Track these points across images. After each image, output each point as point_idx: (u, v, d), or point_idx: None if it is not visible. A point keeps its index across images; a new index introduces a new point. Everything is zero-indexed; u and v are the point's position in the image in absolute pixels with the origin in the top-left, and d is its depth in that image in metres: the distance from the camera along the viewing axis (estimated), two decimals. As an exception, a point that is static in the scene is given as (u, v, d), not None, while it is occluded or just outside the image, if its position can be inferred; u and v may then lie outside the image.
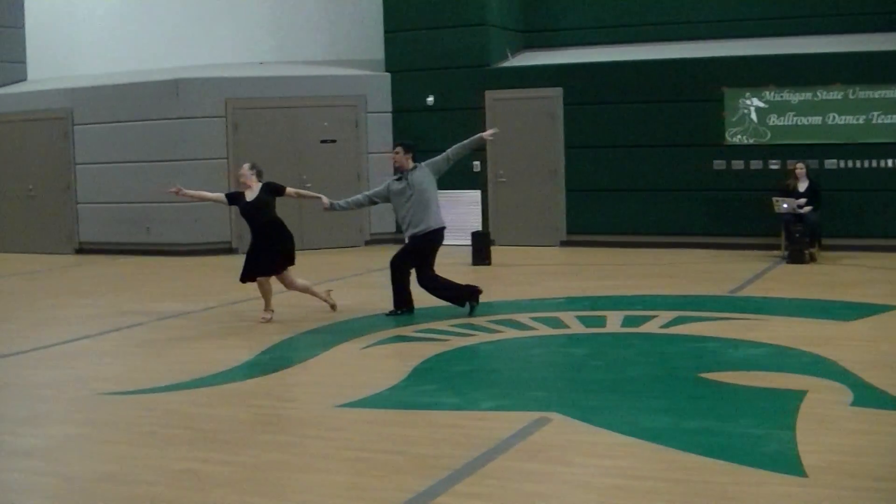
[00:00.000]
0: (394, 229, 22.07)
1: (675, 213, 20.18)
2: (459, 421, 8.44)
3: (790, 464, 7.03)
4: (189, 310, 14.63)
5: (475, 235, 19.05)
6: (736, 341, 11.31)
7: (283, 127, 21.70)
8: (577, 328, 12.40)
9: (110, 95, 22.11)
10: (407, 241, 13.90)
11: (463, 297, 13.56)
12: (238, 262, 19.68)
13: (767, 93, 19.60)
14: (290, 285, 13.74)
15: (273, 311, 13.56)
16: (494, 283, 15.75)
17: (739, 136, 19.78)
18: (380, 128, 22.16)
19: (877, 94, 18.95)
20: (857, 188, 19.07)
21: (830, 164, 19.17)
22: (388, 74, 22.29)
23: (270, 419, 8.65)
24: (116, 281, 18.29)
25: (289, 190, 14.05)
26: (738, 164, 19.78)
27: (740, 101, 19.74)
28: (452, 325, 12.67)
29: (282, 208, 20.87)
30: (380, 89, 22.23)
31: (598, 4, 21.95)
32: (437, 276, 13.61)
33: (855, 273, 16.58)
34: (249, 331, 12.83)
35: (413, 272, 13.69)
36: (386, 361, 10.94)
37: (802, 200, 17.93)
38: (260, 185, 13.70)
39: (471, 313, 13.37)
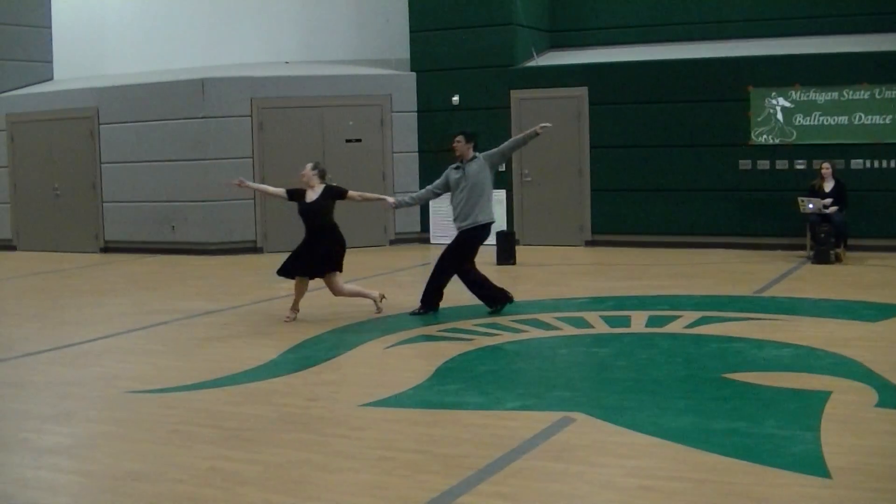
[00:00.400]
0: (419, 229, 22.14)
1: (700, 213, 20.15)
2: (484, 420, 8.44)
3: (815, 465, 7.02)
4: (215, 308, 14.67)
5: (500, 235, 19.03)
6: (761, 342, 11.28)
7: (309, 126, 21.72)
8: (602, 328, 12.39)
9: (136, 95, 22.18)
10: (456, 233, 13.82)
11: (493, 298, 13.54)
12: (264, 260, 19.81)
13: (793, 92, 19.54)
14: (337, 292, 13.64)
15: (298, 311, 13.57)
16: (519, 283, 15.75)
17: (765, 136, 19.73)
18: (405, 127, 22.18)
19: (903, 93, 18.90)
20: (883, 188, 19.00)
21: (857, 164, 19.11)
22: (414, 74, 22.31)
23: (295, 418, 8.66)
24: (142, 279, 18.34)
25: (351, 193, 13.97)
26: (763, 165, 19.73)
27: (766, 100, 19.69)
28: (477, 325, 12.68)
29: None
30: (405, 89, 22.24)
31: (623, 4, 21.93)
32: (475, 270, 13.61)
33: (881, 274, 16.53)
34: (275, 330, 12.86)
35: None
36: (411, 361, 10.95)
37: (828, 201, 17.89)
38: (322, 186, 13.71)
39: (495, 312, 13.40)
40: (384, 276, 17.69)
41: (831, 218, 17.78)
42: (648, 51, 21.14)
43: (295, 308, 13.59)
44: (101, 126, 22.51)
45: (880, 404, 8.60)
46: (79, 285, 18.00)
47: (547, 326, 12.55)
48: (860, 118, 19.12)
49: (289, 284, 15.96)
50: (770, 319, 12.65)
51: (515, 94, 21.52)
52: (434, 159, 21.91)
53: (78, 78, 24.37)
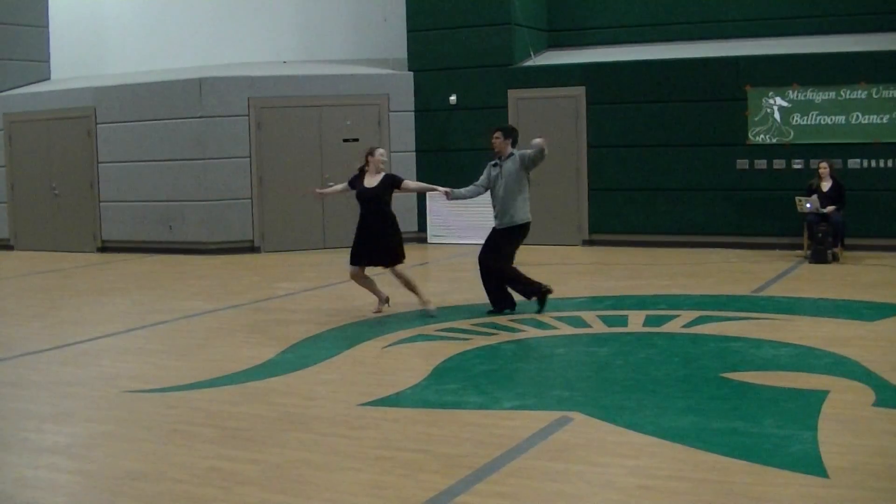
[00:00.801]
0: (416, 228, 22.14)
1: (697, 212, 20.17)
2: (482, 420, 8.46)
3: (813, 464, 7.03)
4: (213, 308, 14.68)
5: (498, 234, 19.06)
6: (759, 341, 11.30)
7: (307, 126, 21.73)
8: (600, 328, 12.40)
9: (134, 94, 22.18)
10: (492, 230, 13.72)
11: (532, 290, 13.53)
12: (261, 260, 19.83)
13: (791, 92, 19.57)
14: (400, 276, 13.62)
15: (387, 297, 13.84)
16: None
17: (763, 136, 19.75)
18: (402, 127, 22.19)
19: (901, 93, 18.92)
20: (880, 188, 19.03)
21: (854, 163, 19.13)
22: (411, 73, 22.32)
23: (294, 417, 8.67)
24: (141, 279, 18.35)
25: (406, 182, 13.94)
26: (761, 164, 19.75)
27: (764, 100, 19.71)
28: (475, 325, 12.69)
29: (306, 206, 20.99)
30: (403, 88, 22.25)
31: (621, 4, 21.94)
32: (513, 267, 13.56)
33: (879, 273, 16.55)
34: (273, 329, 12.86)
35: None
36: (409, 360, 10.95)
37: (816, 200, 17.91)
38: (383, 174, 13.68)
39: (494, 314, 13.42)
40: (381, 275, 17.66)
41: (829, 217, 17.80)
42: (646, 50, 21.15)
43: (382, 299, 13.75)
44: (99, 125, 22.51)
45: (878, 404, 8.61)
46: (77, 285, 18.00)
47: (545, 326, 12.56)
48: (858, 118, 19.14)
49: (288, 284, 16.01)
50: (768, 319, 12.67)
51: (513, 94, 21.53)
52: (432, 159, 21.96)
53: (75, 77, 24.39)
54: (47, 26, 25.10)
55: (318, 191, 14.43)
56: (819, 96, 19.41)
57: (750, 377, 9.68)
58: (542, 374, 10.42)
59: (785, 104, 19.59)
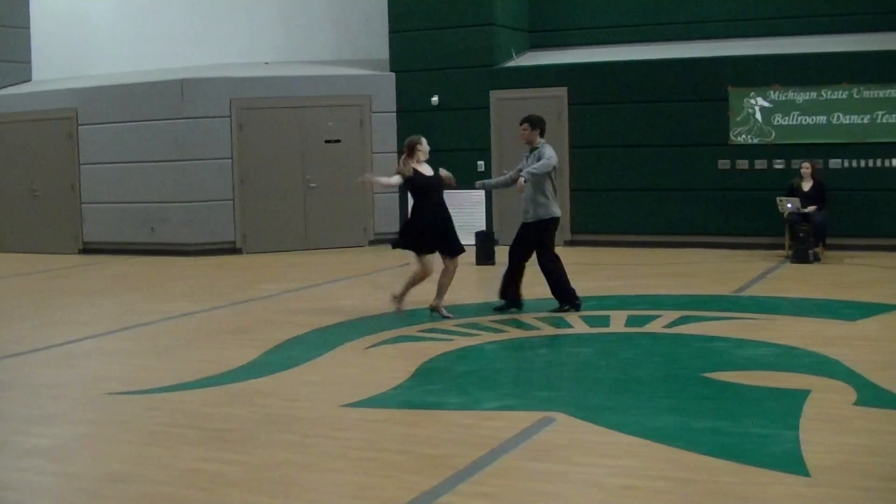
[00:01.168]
0: (398, 229, 22.09)
1: (679, 212, 20.20)
2: (465, 420, 8.46)
3: (795, 463, 7.05)
4: (196, 310, 14.65)
5: (479, 235, 19.07)
6: (741, 341, 11.33)
7: (289, 127, 21.70)
8: (582, 328, 12.42)
9: (115, 95, 22.13)
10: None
11: (564, 297, 13.46)
12: (244, 261, 19.81)
13: (772, 92, 19.61)
14: (449, 272, 13.48)
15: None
16: (498, 283, 15.74)
17: (744, 136, 19.79)
18: (385, 128, 22.18)
19: (882, 93, 18.95)
20: (862, 188, 19.08)
21: (835, 163, 19.18)
22: (393, 74, 22.31)
23: (277, 418, 8.67)
24: (123, 281, 18.32)
25: (442, 171, 13.91)
26: (742, 164, 19.79)
27: (745, 100, 19.75)
28: (457, 325, 12.70)
29: (288, 207, 20.98)
30: (385, 89, 22.24)
31: (603, 5, 21.95)
32: (558, 260, 13.54)
33: (860, 273, 16.59)
34: (256, 330, 12.85)
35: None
36: (391, 361, 10.94)
37: (797, 202, 17.97)
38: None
39: (557, 311, 13.37)
40: (364, 276, 17.69)
41: (810, 217, 17.85)
42: (628, 51, 21.18)
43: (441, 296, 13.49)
44: (80, 127, 22.44)
45: (860, 402, 8.64)
46: (59, 287, 17.96)
47: (527, 326, 12.58)
48: (839, 118, 19.19)
49: (271, 285, 15.99)
50: (750, 319, 12.70)
51: (495, 95, 21.54)
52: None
53: (57, 79, 24.31)
54: (28, 27, 25.02)
55: (369, 177, 13.95)
56: (800, 96, 19.45)
57: (732, 377, 9.70)
58: (524, 375, 10.45)
59: (766, 104, 19.63)
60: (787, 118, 19.52)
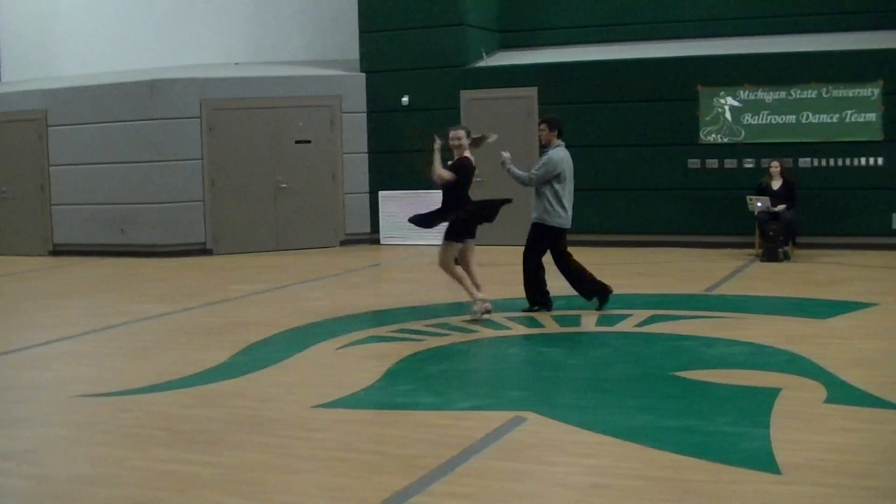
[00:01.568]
0: (369, 230, 22.13)
1: (649, 212, 20.25)
2: (436, 420, 8.46)
3: (766, 461, 7.07)
4: (167, 311, 14.61)
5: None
6: (711, 340, 11.36)
7: (259, 127, 21.66)
8: (553, 328, 12.44)
9: (85, 96, 22.05)
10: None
11: (592, 291, 13.46)
12: (214, 262, 19.76)
13: (742, 92, 19.68)
14: (469, 261, 13.25)
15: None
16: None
17: (714, 136, 19.86)
18: (355, 128, 22.17)
19: (851, 92, 19.06)
20: (831, 186, 19.17)
21: (805, 162, 19.27)
22: (364, 75, 22.29)
23: (249, 420, 8.65)
24: (93, 283, 18.25)
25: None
26: (712, 164, 19.86)
27: (715, 100, 19.82)
28: (428, 325, 12.69)
29: (258, 208, 20.94)
30: (355, 89, 22.23)
31: (573, 5, 21.99)
32: (571, 262, 13.53)
33: (829, 271, 16.66)
34: (227, 332, 12.82)
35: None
36: (362, 362, 10.93)
37: (768, 202, 18.04)
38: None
39: (599, 307, 13.37)
40: (336, 277, 17.66)
41: (780, 216, 17.92)
42: (598, 51, 21.22)
43: (479, 289, 13.15)
44: (50, 128, 22.36)
45: (830, 400, 8.67)
46: (29, 289, 17.88)
47: (498, 326, 12.58)
48: (808, 117, 19.28)
49: (241, 287, 15.95)
50: (720, 317, 12.74)
51: (466, 95, 21.56)
52: (384, 160, 21.97)
53: (26, 80, 24.23)
54: (-3, 29, 24.98)
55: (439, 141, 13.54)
56: (770, 96, 19.53)
57: (703, 375, 9.73)
58: (495, 375, 10.45)
59: (736, 104, 19.70)
60: (756, 117, 19.59)
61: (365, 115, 22.26)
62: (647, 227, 20.22)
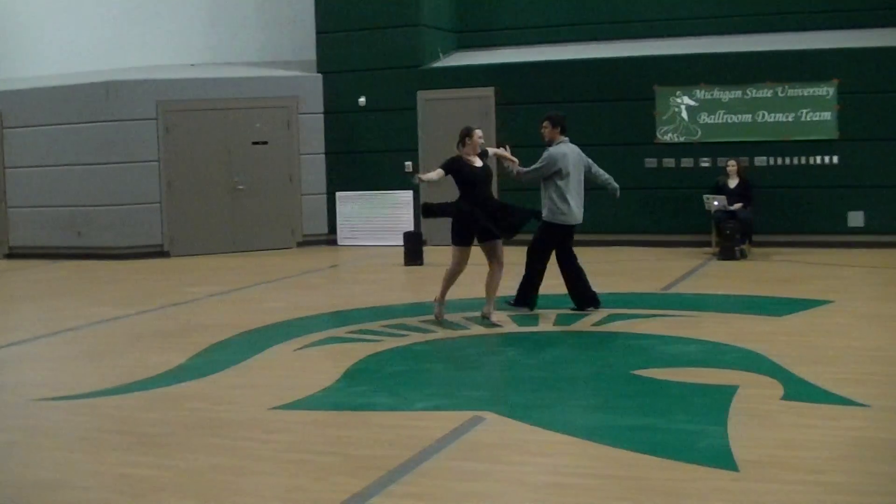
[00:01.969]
0: (326, 231, 22.10)
1: (607, 211, 20.20)
2: (394, 421, 8.45)
3: (723, 458, 7.09)
4: (123, 314, 14.53)
5: (407, 236, 19.06)
6: (668, 338, 11.40)
7: (216, 129, 21.57)
8: (511, 327, 12.45)
9: (41, 98, 21.92)
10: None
11: (583, 301, 13.35)
12: (171, 264, 19.68)
13: (698, 91, 19.76)
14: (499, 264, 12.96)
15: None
16: (427, 284, 15.75)
17: (671, 135, 19.93)
18: (312, 129, 22.13)
19: (806, 91, 19.16)
20: (786, 185, 19.28)
21: (761, 161, 19.37)
22: (321, 75, 22.26)
23: (206, 422, 8.61)
24: (49, 286, 18.13)
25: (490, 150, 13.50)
26: (669, 163, 19.93)
27: (671, 99, 19.88)
28: (385, 326, 12.68)
29: (215, 209, 20.85)
30: (312, 90, 22.19)
31: (529, 5, 22.03)
32: (574, 264, 13.48)
33: (786, 269, 16.74)
34: (183, 334, 12.77)
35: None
36: (320, 363, 10.91)
37: (724, 199, 18.12)
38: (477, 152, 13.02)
39: (580, 310, 13.23)
40: (293, 278, 17.62)
41: (737, 215, 17.99)
42: (555, 51, 21.26)
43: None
44: (6, 130, 22.22)
45: (787, 397, 8.71)
46: (-17, 292, 17.79)
47: (455, 326, 12.58)
48: (763, 116, 19.38)
49: (198, 289, 15.89)
50: (677, 316, 12.78)
51: (423, 95, 21.56)
52: (342, 161, 21.94)
53: (-20, 82, 24.09)
54: (-50, 30, 24.78)
55: (419, 176, 13.30)
56: (726, 95, 19.62)
57: (660, 374, 9.76)
58: (453, 375, 10.44)
59: (692, 103, 19.78)
60: (712, 117, 19.68)
61: (322, 115, 22.23)
62: (605, 226, 20.22)
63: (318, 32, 22.36)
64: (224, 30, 23.50)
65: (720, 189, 18.47)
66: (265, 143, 21.80)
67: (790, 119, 19.25)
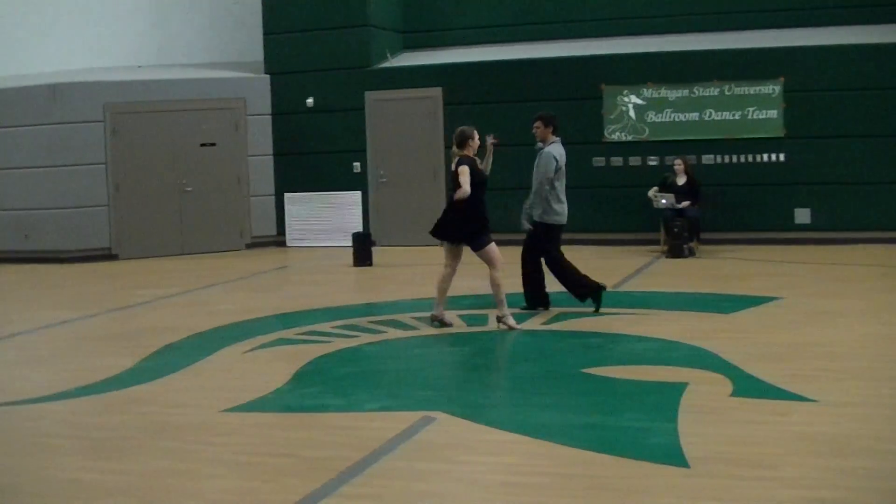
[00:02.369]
0: (275, 232, 22.05)
1: (556, 210, 20.32)
2: (345, 422, 8.44)
3: (673, 455, 7.13)
4: (71, 318, 14.45)
5: (356, 236, 19.04)
6: (618, 336, 11.45)
7: (163, 131, 21.47)
8: (461, 327, 12.46)
9: (-15, 101, 21.78)
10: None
11: (585, 292, 13.29)
12: (119, 267, 19.57)
13: (645, 90, 19.85)
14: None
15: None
16: (376, 284, 15.77)
17: (618, 134, 20.01)
18: (260, 130, 22.08)
19: (752, 90, 19.30)
20: (733, 182, 19.40)
21: (708, 159, 19.48)
22: (268, 76, 22.21)
23: (157, 426, 8.57)
24: (-5, 290, 18.04)
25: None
26: (617, 161, 20.01)
27: (619, 98, 19.97)
28: (335, 327, 12.66)
29: (163, 211, 20.76)
30: (260, 91, 22.14)
31: (477, 5, 22.06)
32: (563, 260, 13.45)
33: (733, 266, 16.84)
34: (133, 337, 12.70)
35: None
36: (270, 365, 10.88)
37: (669, 198, 18.22)
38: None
39: (596, 310, 13.09)
40: (242, 280, 17.57)
41: (685, 213, 18.09)
42: (502, 50, 21.29)
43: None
44: (-50, 134, 22.07)
45: (736, 394, 8.77)
46: (-71, 297, 17.64)
47: (405, 326, 12.59)
48: (711, 115, 19.50)
49: (147, 291, 15.82)
50: (627, 314, 12.83)
51: (370, 96, 21.55)
52: (290, 162, 21.89)
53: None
54: None
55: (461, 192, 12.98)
56: (673, 94, 19.72)
57: (610, 371, 9.80)
58: (403, 375, 10.44)
59: (640, 102, 19.87)
60: (660, 115, 19.77)
61: (270, 116, 22.19)
62: (554, 225, 20.28)
63: (265, 33, 22.32)
64: (171, 31, 23.41)
65: (668, 187, 18.55)
66: (213, 144, 21.73)
67: (737, 117, 19.38)
